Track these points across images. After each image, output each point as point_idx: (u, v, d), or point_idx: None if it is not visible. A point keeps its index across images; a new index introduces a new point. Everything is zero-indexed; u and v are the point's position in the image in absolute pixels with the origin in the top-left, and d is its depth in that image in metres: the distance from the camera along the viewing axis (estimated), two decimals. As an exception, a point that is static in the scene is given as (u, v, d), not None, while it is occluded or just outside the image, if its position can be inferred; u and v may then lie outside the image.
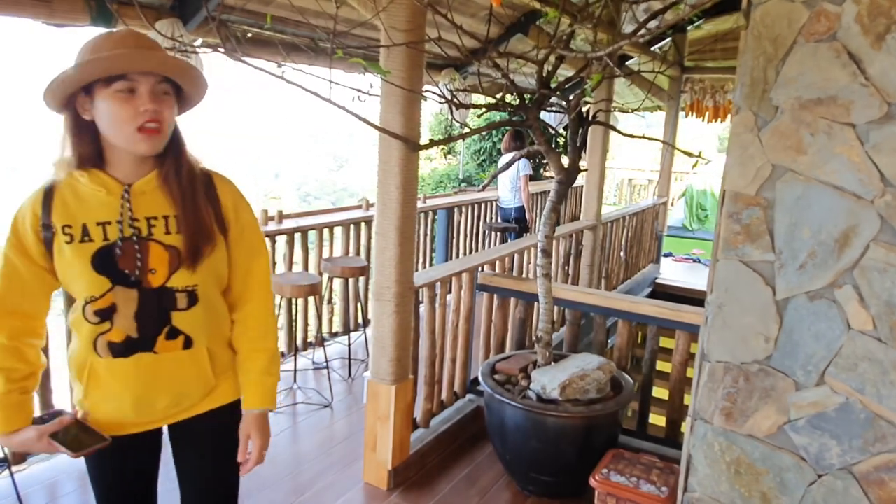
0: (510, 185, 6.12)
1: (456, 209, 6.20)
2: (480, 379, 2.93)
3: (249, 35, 4.19)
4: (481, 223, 6.51)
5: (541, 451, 2.72)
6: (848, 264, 1.86)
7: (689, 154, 2.88)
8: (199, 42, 3.88)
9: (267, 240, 4.09)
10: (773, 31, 1.91)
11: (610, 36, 3.21)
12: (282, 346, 4.26)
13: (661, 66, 6.42)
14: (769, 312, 1.99)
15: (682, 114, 8.19)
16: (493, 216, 6.68)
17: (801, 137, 1.90)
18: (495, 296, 3.52)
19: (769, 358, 2.00)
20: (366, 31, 3.90)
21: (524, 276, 4.24)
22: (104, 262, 1.37)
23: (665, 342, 3.54)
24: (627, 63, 7.27)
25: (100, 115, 1.33)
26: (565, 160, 2.88)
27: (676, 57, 7.55)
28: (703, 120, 8.21)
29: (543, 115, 6.22)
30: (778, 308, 1.97)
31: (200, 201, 1.43)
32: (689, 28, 7.35)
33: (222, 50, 2.43)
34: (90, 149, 1.37)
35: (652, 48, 7.17)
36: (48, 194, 1.37)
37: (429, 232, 5.78)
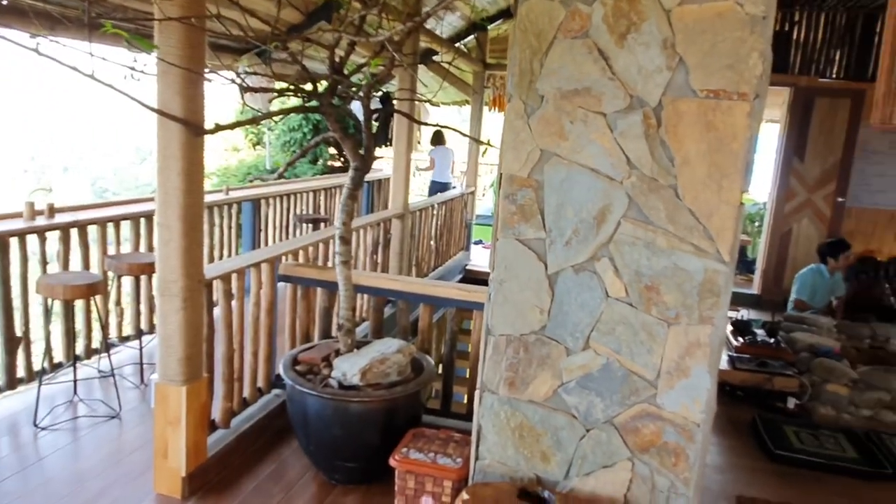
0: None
1: (263, 201, 5.97)
2: (281, 371, 2.86)
3: (5, 2, 3.66)
4: (291, 215, 6.34)
5: (344, 438, 2.71)
6: (604, 239, 2.08)
7: (479, 142, 3.03)
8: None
9: (34, 237, 3.65)
10: (536, 26, 2.06)
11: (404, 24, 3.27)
12: (59, 355, 3.81)
13: (454, 58, 6.70)
14: (543, 286, 2.16)
15: (487, 108, 8.63)
16: (303, 208, 6.54)
17: (563, 125, 2.08)
18: (298, 286, 3.44)
19: (544, 328, 2.18)
20: (143, 5, 3.59)
21: (329, 265, 4.19)
22: None
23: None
24: (434, 58, 7.50)
25: None
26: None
27: (479, 54, 7.94)
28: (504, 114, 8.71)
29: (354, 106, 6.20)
30: (550, 282, 2.15)
31: None
32: (489, 27, 7.77)
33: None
34: None
35: (456, 44, 7.47)
36: None
37: (233, 225, 5.49)
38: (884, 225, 6.97)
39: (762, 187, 8.30)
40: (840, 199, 6.94)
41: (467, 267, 8.06)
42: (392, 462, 2.51)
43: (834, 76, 6.80)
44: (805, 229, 7.07)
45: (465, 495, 2.09)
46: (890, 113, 2.63)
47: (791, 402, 4.25)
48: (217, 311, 2.97)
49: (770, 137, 7.56)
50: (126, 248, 4.44)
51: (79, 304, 3.96)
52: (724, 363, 4.34)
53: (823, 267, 5.57)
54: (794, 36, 6.82)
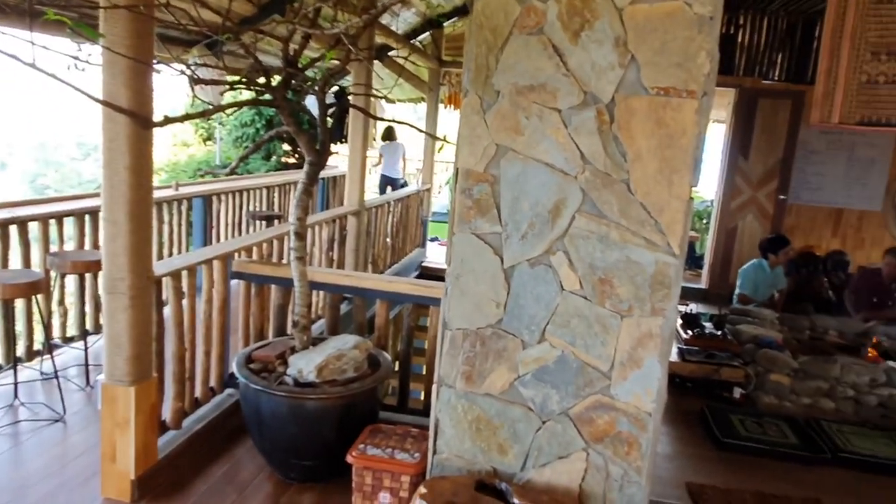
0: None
1: (214, 197, 5.84)
2: (235, 369, 2.80)
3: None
4: (243, 212, 6.22)
5: (300, 436, 2.68)
6: (559, 233, 2.11)
7: (435, 137, 3.04)
8: None
9: (-31, 234, 3.49)
10: (492, 21, 2.08)
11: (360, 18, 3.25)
12: (-2, 357, 3.65)
13: (410, 54, 6.67)
14: (499, 280, 2.18)
15: (442, 106, 8.63)
16: (256, 204, 6.43)
17: (519, 120, 2.10)
18: (252, 283, 3.38)
19: (500, 321, 2.20)
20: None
21: (283, 262, 4.14)
22: None
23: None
24: (390, 54, 7.46)
25: None
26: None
27: (434, 51, 7.94)
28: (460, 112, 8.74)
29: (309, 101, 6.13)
30: (506, 275, 2.17)
31: None
32: (445, 24, 7.77)
33: None
34: None
35: (412, 41, 7.45)
36: None
37: (184, 221, 5.35)
38: (822, 221, 7.28)
39: (709, 185, 8.56)
40: (782, 197, 7.21)
41: (423, 264, 8.07)
42: (349, 458, 2.49)
43: (776, 78, 7.06)
44: (750, 226, 7.32)
45: (422, 489, 2.09)
46: (828, 112, 2.76)
47: (737, 392, 4.40)
48: (167, 310, 2.89)
49: (716, 137, 7.81)
50: (70, 245, 4.28)
51: (19, 305, 3.81)
52: (673, 355, 4.47)
53: (765, 262, 5.78)
54: (739, 39, 7.06)
